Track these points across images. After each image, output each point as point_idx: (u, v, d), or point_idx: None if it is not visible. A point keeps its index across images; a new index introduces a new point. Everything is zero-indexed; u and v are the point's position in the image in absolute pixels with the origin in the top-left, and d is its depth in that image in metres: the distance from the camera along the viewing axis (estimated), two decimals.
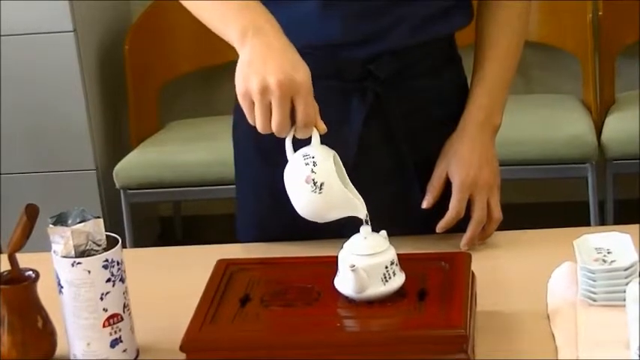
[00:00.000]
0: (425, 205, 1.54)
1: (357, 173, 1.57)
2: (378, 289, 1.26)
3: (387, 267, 1.27)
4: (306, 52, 1.48)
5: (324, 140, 1.39)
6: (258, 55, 1.32)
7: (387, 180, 1.48)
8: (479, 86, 1.57)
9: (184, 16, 1.59)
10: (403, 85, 1.56)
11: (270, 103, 1.30)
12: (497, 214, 1.55)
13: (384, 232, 1.36)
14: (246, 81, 1.31)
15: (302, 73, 1.31)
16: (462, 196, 1.53)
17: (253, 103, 1.31)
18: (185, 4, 1.48)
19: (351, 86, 1.55)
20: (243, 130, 1.63)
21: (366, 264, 1.26)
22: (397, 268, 1.29)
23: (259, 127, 1.31)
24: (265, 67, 1.30)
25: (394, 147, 1.49)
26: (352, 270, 1.25)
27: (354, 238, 1.30)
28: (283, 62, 1.31)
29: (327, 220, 1.30)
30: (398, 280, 1.28)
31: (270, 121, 1.30)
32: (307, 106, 1.30)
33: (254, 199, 1.66)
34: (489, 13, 1.60)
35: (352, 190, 1.32)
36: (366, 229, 1.30)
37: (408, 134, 1.54)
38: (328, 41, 1.53)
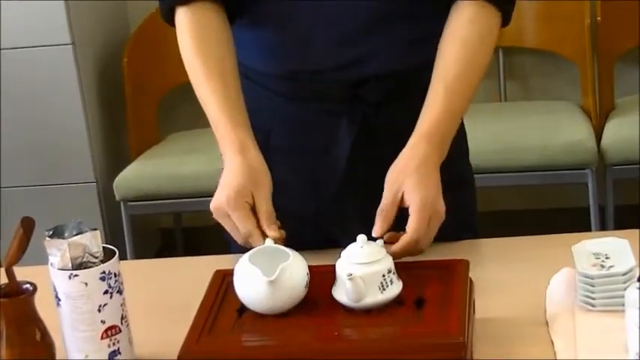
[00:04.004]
0: (377, 233, 1.39)
1: (346, 193, 1.58)
2: (375, 297, 1.26)
3: (384, 275, 1.27)
4: (290, 77, 1.49)
5: (313, 160, 1.47)
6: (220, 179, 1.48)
7: (377, 198, 1.47)
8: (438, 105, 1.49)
9: None
10: (392, 106, 1.56)
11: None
12: (428, 243, 1.43)
13: (380, 241, 1.35)
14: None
15: (224, 194, 1.43)
16: (423, 221, 1.40)
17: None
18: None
19: (339, 108, 1.56)
20: None
21: (364, 272, 1.26)
22: (394, 277, 1.28)
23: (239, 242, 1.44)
24: (217, 189, 1.46)
25: (384, 167, 1.47)
26: (349, 279, 1.25)
27: (351, 247, 1.30)
28: (218, 188, 1.45)
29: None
30: (395, 288, 1.28)
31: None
32: (237, 221, 1.41)
33: None
34: (446, 25, 1.53)
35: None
36: (362, 238, 1.30)
37: (397, 154, 1.52)
38: (311, 67, 1.54)
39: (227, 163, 1.48)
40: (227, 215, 1.42)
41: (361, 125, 1.56)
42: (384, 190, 1.44)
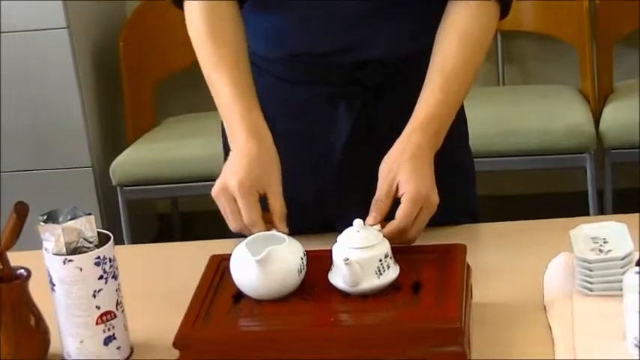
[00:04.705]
0: (371, 223, 1.37)
1: (344, 175, 1.58)
2: (372, 282, 1.25)
3: (381, 260, 1.26)
4: (291, 60, 1.48)
5: (313, 145, 1.44)
6: (227, 162, 1.47)
7: (375, 184, 1.46)
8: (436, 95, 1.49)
9: (178, 12, 1.59)
10: (391, 92, 1.56)
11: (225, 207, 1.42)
12: (417, 233, 1.42)
13: (378, 226, 1.35)
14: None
15: (235, 178, 1.41)
16: (414, 209, 1.39)
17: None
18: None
19: (338, 92, 1.56)
20: None
21: (360, 257, 1.25)
22: (391, 261, 1.28)
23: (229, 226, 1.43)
24: (222, 172, 1.45)
25: (382, 153, 1.47)
26: (346, 263, 1.24)
27: (348, 231, 1.29)
28: (227, 170, 1.44)
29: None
30: (392, 273, 1.27)
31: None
32: (244, 208, 1.39)
33: None
34: (443, 18, 1.52)
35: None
36: (359, 223, 1.29)
37: (395, 139, 1.51)
38: (310, 51, 1.54)
39: (240, 146, 1.46)
40: (233, 199, 1.41)
41: (359, 111, 1.56)
42: (379, 180, 1.44)
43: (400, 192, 1.41)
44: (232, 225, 1.42)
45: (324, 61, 1.54)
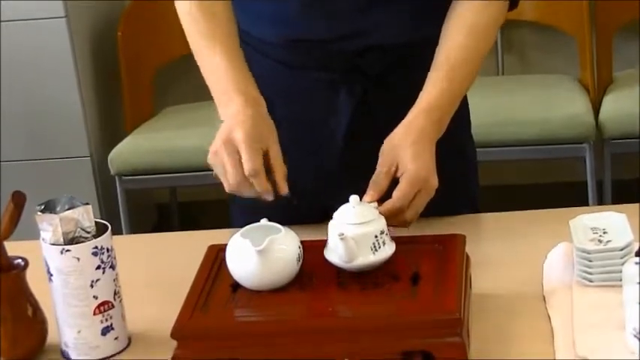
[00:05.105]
0: (367, 200, 1.37)
1: (345, 163, 1.57)
2: (367, 258, 1.25)
3: (376, 236, 1.26)
4: (292, 45, 1.48)
5: (313, 131, 1.44)
6: (222, 125, 1.44)
7: (374, 170, 1.46)
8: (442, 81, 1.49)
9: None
10: (391, 80, 1.56)
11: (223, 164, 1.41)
12: (414, 216, 1.42)
13: (374, 204, 1.34)
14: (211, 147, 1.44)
15: (241, 130, 1.40)
16: (411, 190, 1.39)
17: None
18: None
19: (339, 78, 1.55)
20: None
21: (355, 233, 1.25)
22: (387, 238, 1.27)
23: (225, 185, 1.42)
24: (218, 133, 1.43)
25: (381, 141, 1.47)
26: (341, 238, 1.24)
27: (344, 207, 1.29)
28: (228, 126, 1.42)
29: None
30: (388, 249, 1.27)
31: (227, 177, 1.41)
32: (249, 157, 1.38)
33: None
34: (451, 8, 1.53)
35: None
36: (355, 199, 1.29)
37: (395, 127, 1.50)
38: (313, 37, 1.54)
39: (237, 110, 1.43)
40: (236, 151, 1.39)
41: (360, 98, 1.56)
42: (379, 159, 1.44)
43: (399, 172, 1.41)
44: (231, 178, 1.40)
45: (326, 47, 1.54)
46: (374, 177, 1.42)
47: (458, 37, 1.50)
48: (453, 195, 1.53)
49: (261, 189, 1.38)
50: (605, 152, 3.09)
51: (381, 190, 1.40)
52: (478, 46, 1.51)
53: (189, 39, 1.55)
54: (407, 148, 1.42)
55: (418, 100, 1.48)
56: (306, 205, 1.53)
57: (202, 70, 1.52)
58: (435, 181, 1.42)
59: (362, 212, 1.28)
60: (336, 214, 1.29)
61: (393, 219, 1.37)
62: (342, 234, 1.24)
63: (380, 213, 1.32)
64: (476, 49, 1.51)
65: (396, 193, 1.39)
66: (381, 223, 1.28)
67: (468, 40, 1.50)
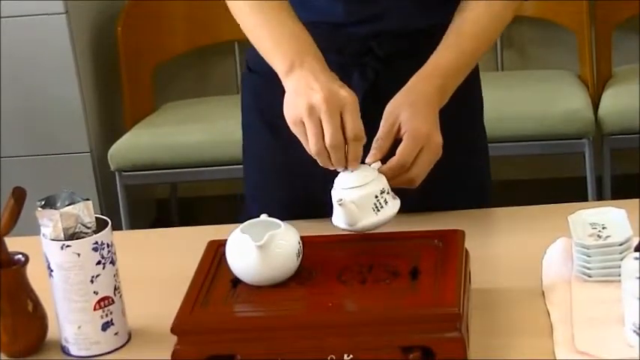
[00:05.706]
0: (370, 161, 1.39)
1: None
2: (370, 219, 1.26)
3: (377, 197, 1.27)
4: (309, 26, 1.48)
5: None
6: (303, 83, 1.39)
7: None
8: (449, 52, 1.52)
9: None
10: (403, 64, 1.56)
11: (320, 122, 1.35)
12: (420, 175, 1.43)
13: (377, 164, 1.35)
14: (295, 107, 1.38)
15: (346, 90, 1.37)
16: (413, 146, 1.40)
17: (305, 128, 1.36)
18: (236, 17, 1.53)
19: (351, 61, 1.56)
20: (249, 104, 1.66)
21: (354, 196, 1.26)
22: (389, 197, 1.28)
23: (313, 148, 1.36)
24: (311, 90, 1.37)
25: None
26: (340, 204, 1.25)
27: (343, 173, 1.30)
28: (327, 82, 1.38)
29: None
30: (392, 207, 1.28)
31: (323, 139, 1.34)
32: (355, 121, 1.35)
33: (258, 172, 1.67)
34: None
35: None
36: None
37: None
38: (331, 20, 1.56)
39: (307, 64, 1.42)
40: (319, 118, 1.36)
41: (372, 82, 1.57)
42: (382, 121, 1.45)
43: (402, 131, 1.42)
44: (314, 148, 1.36)
45: (343, 31, 1.56)
46: (376, 138, 1.42)
47: (472, 12, 1.52)
48: (462, 193, 1.53)
49: (337, 164, 1.36)
50: (605, 148, 3.10)
51: (384, 150, 1.41)
52: (491, 24, 1.53)
53: (242, 17, 1.52)
54: (408, 107, 1.43)
55: (423, 66, 1.49)
56: (317, 191, 1.52)
57: (256, 33, 1.50)
58: (438, 139, 1.42)
59: (360, 175, 1.29)
60: (335, 181, 1.30)
61: (399, 178, 1.38)
62: (341, 199, 1.25)
63: (384, 172, 1.33)
64: (488, 26, 1.53)
65: (398, 151, 1.40)
66: (381, 182, 1.29)
67: (482, 16, 1.52)
